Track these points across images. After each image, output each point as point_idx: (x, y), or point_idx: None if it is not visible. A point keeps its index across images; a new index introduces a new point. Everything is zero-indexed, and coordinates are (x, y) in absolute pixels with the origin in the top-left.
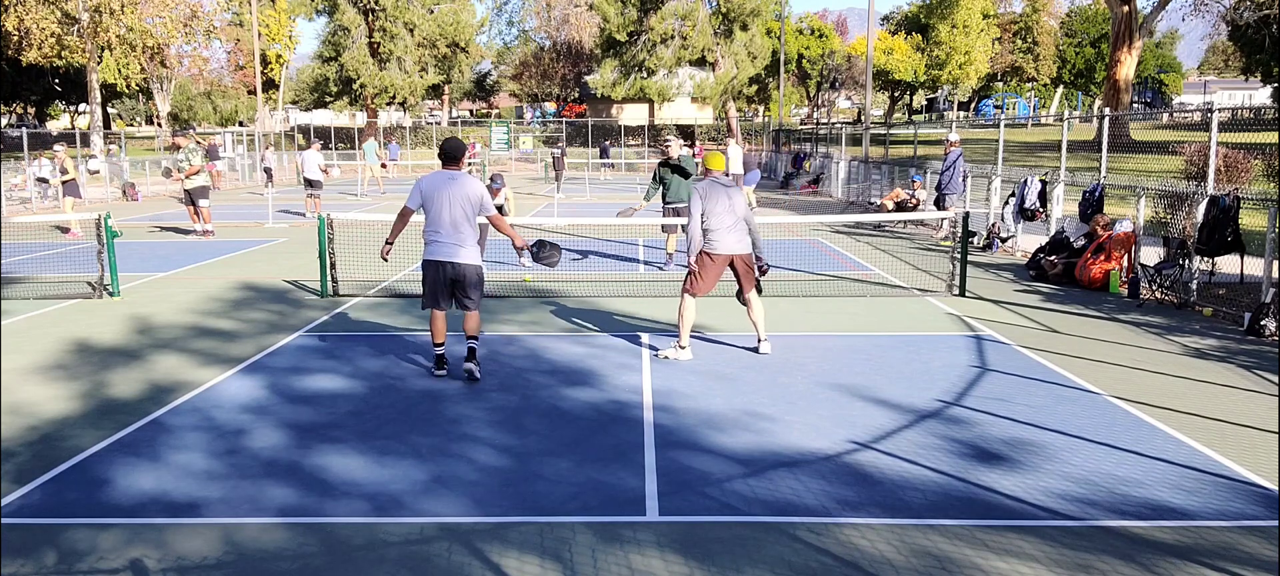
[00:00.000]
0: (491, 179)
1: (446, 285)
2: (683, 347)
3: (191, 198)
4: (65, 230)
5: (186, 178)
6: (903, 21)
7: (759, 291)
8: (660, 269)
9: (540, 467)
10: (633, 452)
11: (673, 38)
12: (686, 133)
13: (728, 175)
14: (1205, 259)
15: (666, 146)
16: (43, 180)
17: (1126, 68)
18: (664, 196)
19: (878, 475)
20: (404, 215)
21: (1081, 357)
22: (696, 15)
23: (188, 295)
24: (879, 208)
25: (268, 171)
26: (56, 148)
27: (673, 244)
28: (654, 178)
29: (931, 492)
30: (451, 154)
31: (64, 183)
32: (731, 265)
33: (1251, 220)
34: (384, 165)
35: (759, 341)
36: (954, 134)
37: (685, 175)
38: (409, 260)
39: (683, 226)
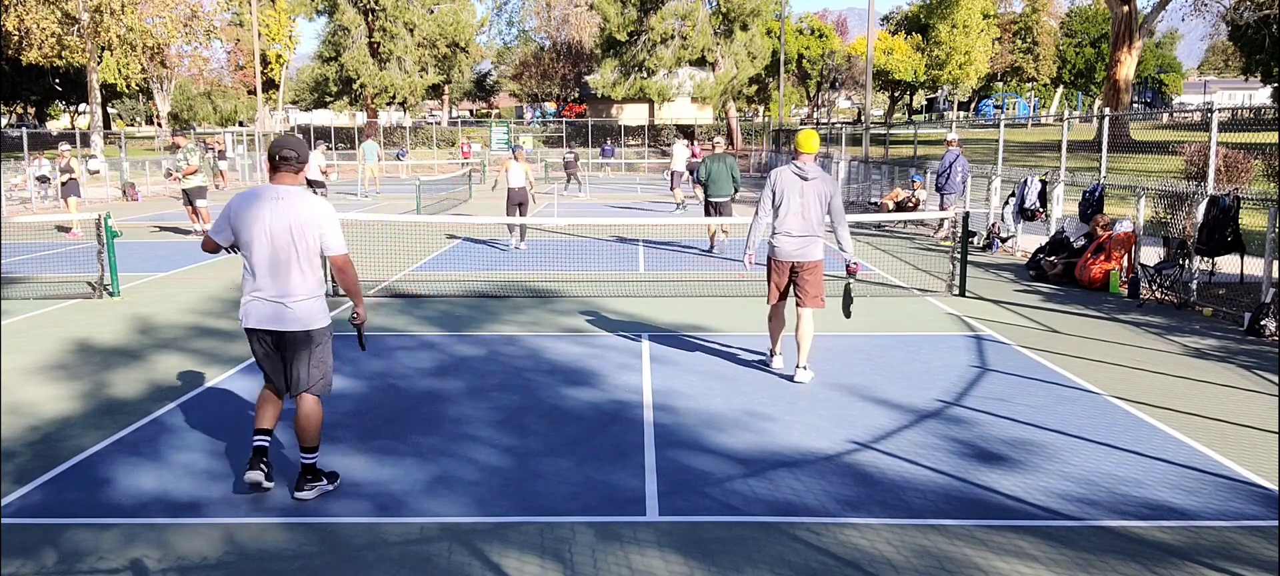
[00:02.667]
0: (514, 147)
1: (275, 360)
2: (776, 354)
3: (189, 198)
4: (66, 230)
5: (184, 177)
6: (903, 21)
7: (849, 301)
8: (706, 253)
9: (540, 467)
10: (633, 452)
11: (673, 38)
12: (687, 132)
13: (815, 161)
14: (1205, 259)
15: (714, 145)
16: (44, 178)
17: (1126, 68)
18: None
19: (878, 475)
20: (207, 245)
21: (1081, 357)
22: (696, 15)
23: (188, 295)
24: (879, 207)
25: None
26: (62, 147)
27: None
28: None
29: (931, 492)
30: (282, 158)
31: (64, 182)
32: (792, 272)
33: (1251, 220)
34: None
35: (797, 366)
36: (954, 133)
37: (725, 172)
38: (410, 259)
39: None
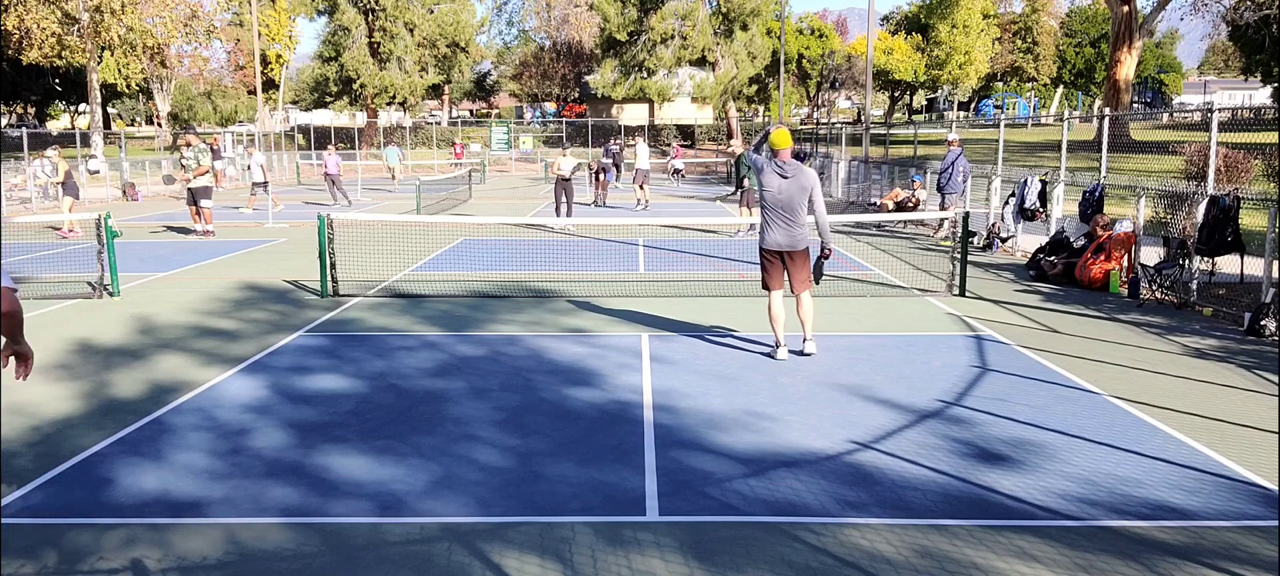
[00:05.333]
0: (564, 144)
1: None
2: (781, 345)
3: (194, 197)
4: (59, 230)
5: (195, 177)
6: (903, 21)
7: (819, 275)
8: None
9: (541, 467)
10: (633, 452)
11: (673, 38)
12: (686, 133)
13: (792, 158)
14: (1205, 259)
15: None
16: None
17: (1126, 68)
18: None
19: (878, 475)
20: None
21: (1081, 357)
22: (696, 15)
23: (188, 295)
24: (879, 207)
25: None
26: (50, 149)
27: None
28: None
29: (932, 492)
30: None
31: (62, 182)
32: (782, 259)
33: (1251, 220)
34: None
35: (804, 340)
36: (954, 134)
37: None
38: (410, 259)
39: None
